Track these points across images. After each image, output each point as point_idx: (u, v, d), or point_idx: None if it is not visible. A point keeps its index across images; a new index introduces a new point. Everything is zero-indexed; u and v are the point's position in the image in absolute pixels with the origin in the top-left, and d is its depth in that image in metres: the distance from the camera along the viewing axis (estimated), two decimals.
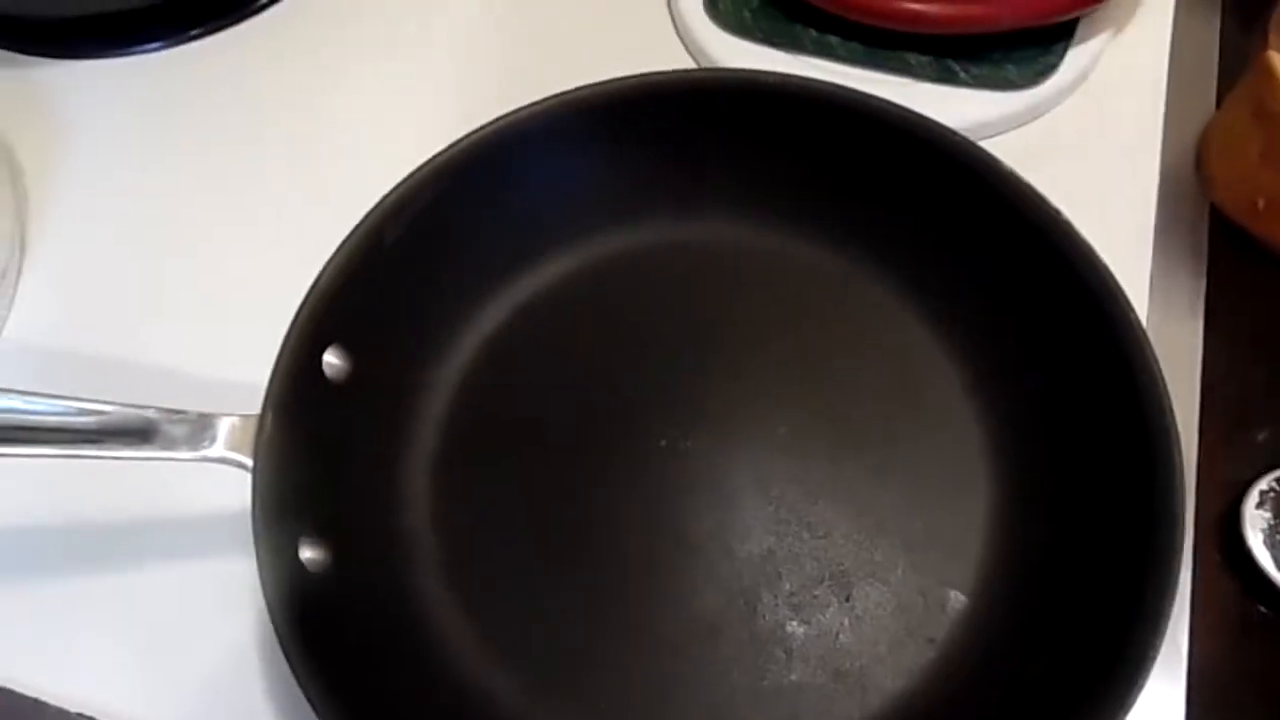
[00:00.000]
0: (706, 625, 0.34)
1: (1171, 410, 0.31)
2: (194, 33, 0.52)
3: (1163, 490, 0.30)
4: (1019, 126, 0.45)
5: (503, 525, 0.36)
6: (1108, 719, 0.28)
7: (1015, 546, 0.34)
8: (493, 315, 0.40)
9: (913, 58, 0.45)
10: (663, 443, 0.37)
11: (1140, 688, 0.28)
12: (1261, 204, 0.40)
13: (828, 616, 0.34)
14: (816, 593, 0.35)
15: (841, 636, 0.34)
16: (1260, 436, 0.37)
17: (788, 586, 0.35)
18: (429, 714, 0.33)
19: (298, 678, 0.30)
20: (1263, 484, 0.36)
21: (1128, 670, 0.29)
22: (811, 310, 0.39)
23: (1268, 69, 0.37)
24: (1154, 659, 0.28)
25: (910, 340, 0.38)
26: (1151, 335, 0.33)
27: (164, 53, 0.51)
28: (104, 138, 0.49)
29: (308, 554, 0.32)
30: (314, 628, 0.31)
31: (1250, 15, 0.41)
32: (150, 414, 0.33)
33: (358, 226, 0.36)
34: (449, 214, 0.38)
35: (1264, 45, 0.38)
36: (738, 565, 0.35)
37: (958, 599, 0.34)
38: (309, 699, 0.29)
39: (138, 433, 0.32)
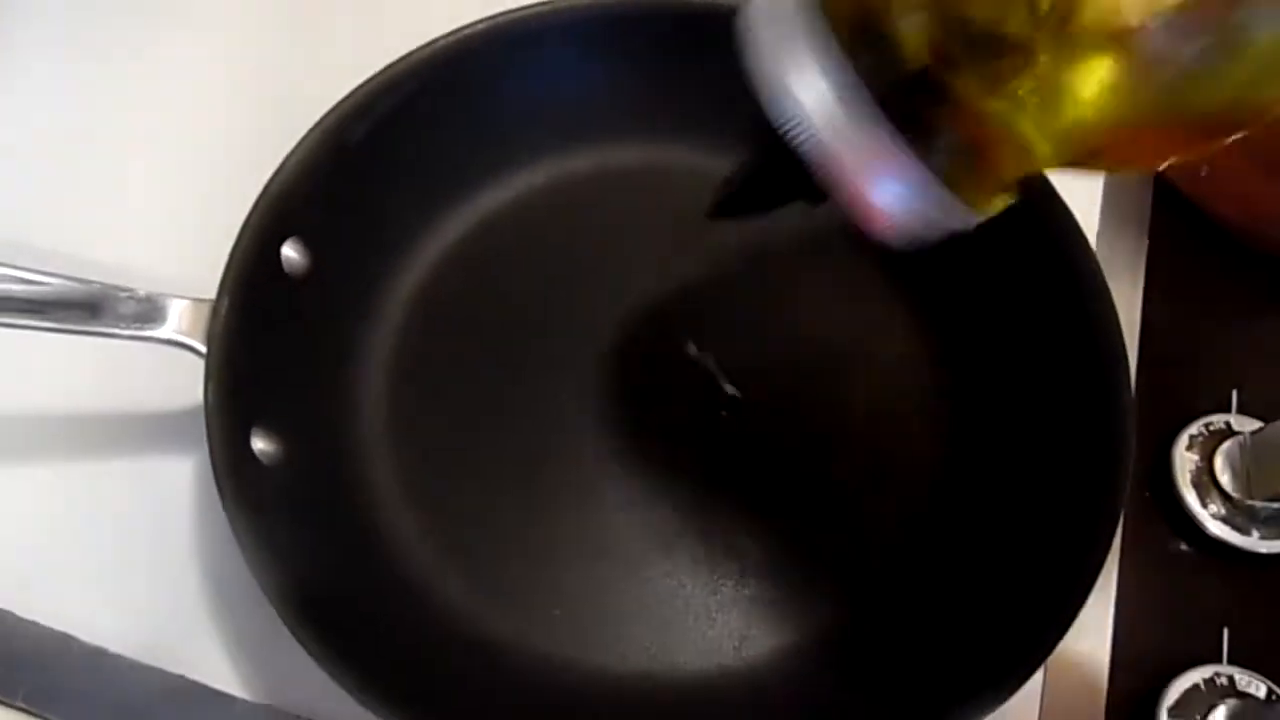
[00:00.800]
0: (662, 538, 0.35)
1: (1128, 368, 0.33)
2: None
3: (1111, 435, 0.32)
4: None
5: (461, 432, 0.36)
6: (1048, 636, 0.29)
7: (963, 477, 0.35)
8: (455, 225, 0.39)
9: None
10: (625, 358, 0.37)
11: (1079, 608, 0.30)
12: (1205, 170, 0.42)
13: (784, 533, 0.35)
14: (773, 509, 0.35)
15: (797, 553, 0.34)
16: (1192, 387, 0.39)
17: (745, 505, 0.35)
18: (379, 613, 0.32)
19: (251, 566, 0.29)
20: (1192, 429, 0.37)
21: (1070, 592, 0.30)
22: (775, 239, 0.39)
23: None
24: (1090, 588, 0.30)
25: (866, 275, 0.39)
26: None
27: None
28: (51, 6, 0.46)
29: (260, 445, 0.32)
30: (263, 517, 0.30)
31: None
32: (96, 288, 0.31)
33: (324, 118, 0.35)
34: (417, 117, 0.37)
35: None
36: (695, 490, 0.36)
37: (904, 525, 0.35)
38: (264, 589, 0.28)
39: (84, 306, 0.31)
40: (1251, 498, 0.35)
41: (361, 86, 0.35)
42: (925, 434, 0.36)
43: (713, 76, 0.38)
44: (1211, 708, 0.32)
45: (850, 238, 0.37)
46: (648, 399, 0.37)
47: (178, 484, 0.35)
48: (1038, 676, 0.33)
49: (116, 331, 0.31)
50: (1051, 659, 0.33)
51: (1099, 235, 0.42)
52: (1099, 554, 0.29)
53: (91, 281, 0.31)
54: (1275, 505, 0.35)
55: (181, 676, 0.33)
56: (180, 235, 0.39)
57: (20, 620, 0.34)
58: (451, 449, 0.36)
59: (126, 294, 0.31)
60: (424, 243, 0.39)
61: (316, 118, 0.35)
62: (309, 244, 0.35)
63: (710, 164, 0.40)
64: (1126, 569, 0.36)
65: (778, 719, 0.33)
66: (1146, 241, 0.43)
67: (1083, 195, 0.43)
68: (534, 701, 0.32)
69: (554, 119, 0.39)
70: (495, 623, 0.33)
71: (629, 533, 0.35)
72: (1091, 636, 0.34)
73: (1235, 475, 0.36)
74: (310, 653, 0.28)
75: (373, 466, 0.35)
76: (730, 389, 0.37)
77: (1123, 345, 0.32)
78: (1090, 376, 0.32)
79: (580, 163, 0.40)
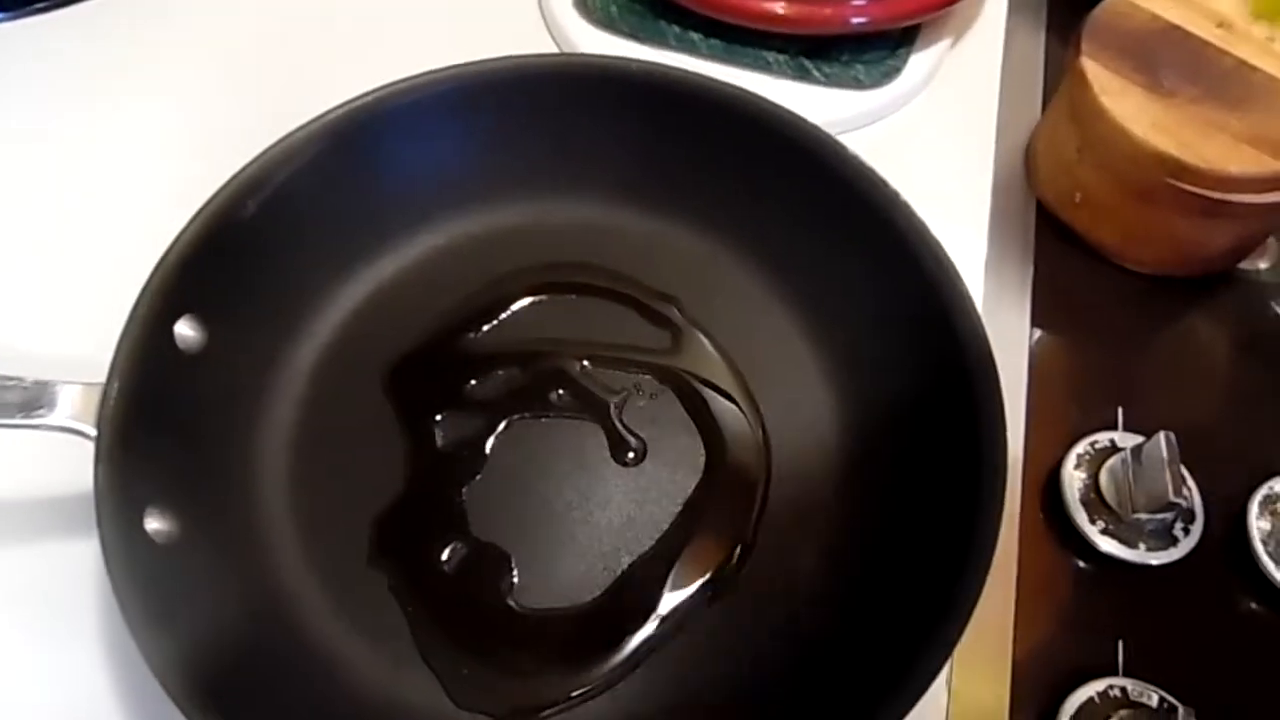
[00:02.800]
0: (569, 590, 0.35)
1: (999, 396, 0.33)
2: (40, 5, 0.50)
3: (988, 467, 0.32)
4: (866, 125, 0.48)
5: (366, 503, 0.36)
6: (923, 673, 0.30)
7: (862, 516, 0.36)
8: (354, 293, 0.40)
9: (771, 56, 0.47)
10: (525, 415, 0.38)
11: (950, 645, 0.30)
12: (1079, 197, 0.44)
13: (688, 575, 0.35)
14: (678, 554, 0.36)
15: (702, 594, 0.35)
16: (1080, 408, 0.41)
17: (644, 552, 0.36)
18: (286, 691, 0.32)
19: (145, 655, 0.28)
20: (1079, 448, 0.39)
21: (942, 640, 0.30)
22: (673, 286, 0.40)
23: (1080, 73, 0.41)
24: (967, 616, 0.30)
25: (768, 318, 0.40)
26: (985, 319, 0.35)
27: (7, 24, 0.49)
28: None
29: (154, 525, 0.32)
30: (160, 599, 0.30)
31: (1070, 31, 0.45)
32: None
33: (216, 195, 0.36)
34: (308, 189, 0.37)
35: (1077, 53, 0.42)
36: (598, 533, 0.36)
37: (807, 563, 0.36)
38: (159, 677, 0.28)
39: None
40: (1135, 511, 0.36)
41: (250, 163, 0.36)
42: (829, 473, 0.37)
43: (593, 131, 0.41)
44: (1107, 719, 0.33)
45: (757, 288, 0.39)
46: (554, 452, 0.38)
47: (80, 571, 0.35)
48: (943, 698, 0.34)
49: (4, 422, 0.31)
50: (956, 678, 0.34)
51: (987, 266, 0.44)
52: (977, 575, 0.30)
53: None
54: (1159, 518, 0.36)
55: None
56: (71, 316, 0.39)
57: None
58: (356, 521, 0.36)
59: (14, 382, 0.31)
60: (322, 312, 0.39)
61: (209, 194, 0.36)
62: (203, 320, 0.35)
63: (605, 217, 0.42)
64: (1024, 588, 0.37)
65: None
66: (1032, 270, 0.45)
67: (969, 229, 0.45)
68: None
69: (444, 183, 0.40)
70: (404, 686, 0.33)
71: (536, 586, 0.35)
72: (993, 654, 0.35)
73: (1119, 491, 0.37)
74: None
75: (275, 542, 0.35)
76: (631, 438, 0.38)
77: (998, 391, 0.33)
78: (970, 424, 0.33)
79: (478, 223, 0.41)
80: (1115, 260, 0.44)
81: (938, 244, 0.36)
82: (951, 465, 0.34)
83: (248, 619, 0.33)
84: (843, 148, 0.38)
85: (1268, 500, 0.37)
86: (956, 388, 0.34)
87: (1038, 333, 0.43)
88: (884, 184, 0.37)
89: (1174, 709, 0.32)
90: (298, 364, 0.38)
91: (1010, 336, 0.42)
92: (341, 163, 0.38)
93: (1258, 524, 0.37)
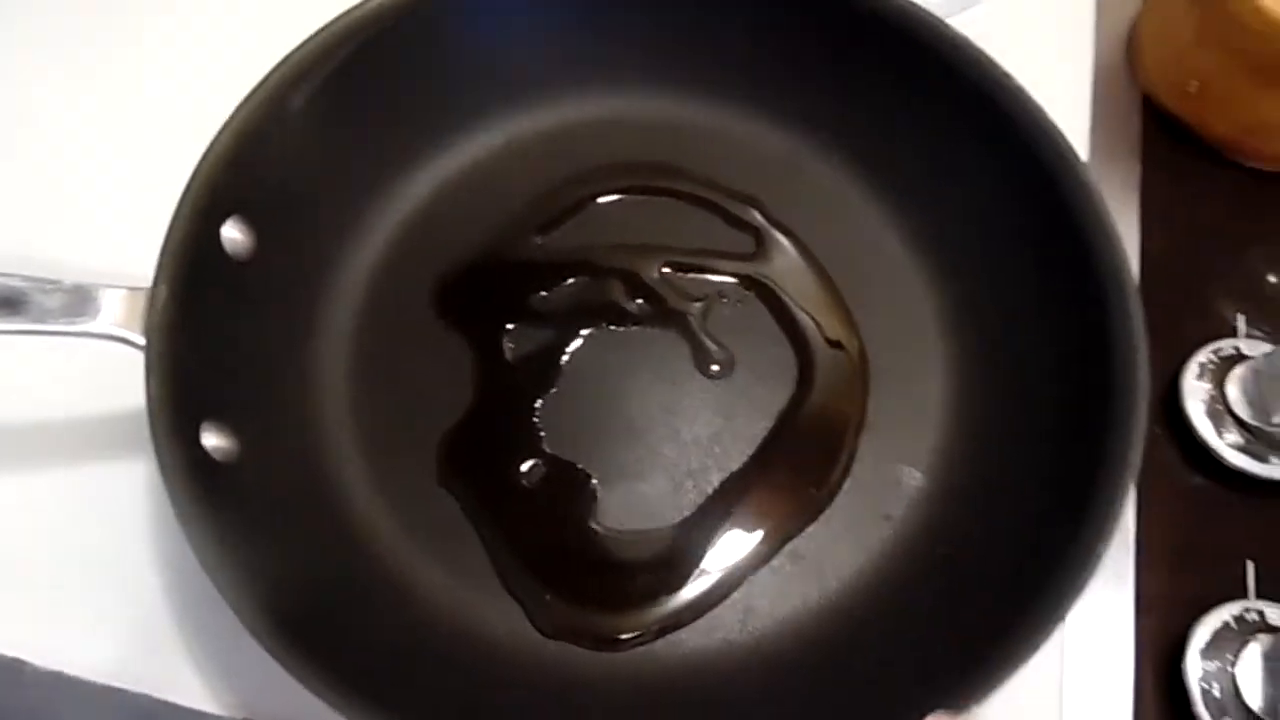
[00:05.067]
0: (655, 509, 0.32)
1: (1131, 274, 0.30)
2: None
3: (1123, 357, 0.30)
4: (952, 15, 0.44)
5: (432, 413, 0.33)
6: (1067, 589, 0.27)
7: (971, 424, 0.33)
8: (412, 194, 0.37)
9: None
10: (600, 325, 0.35)
11: (1098, 560, 0.27)
12: (1194, 87, 0.40)
13: (786, 490, 0.33)
14: (774, 466, 0.33)
15: (802, 512, 0.32)
16: (1195, 317, 0.37)
17: (737, 469, 0.33)
18: (355, 614, 0.30)
19: (209, 573, 0.26)
20: (1201, 356, 0.36)
21: (1086, 543, 0.28)
22: (755, 187, 0.37)
23: None
24: (1113, 531, 0.28)
25: (860, 218, 0.37)
26: None
27: None
28: None
29: (212, 442, 0.29)
30: (223, 522, 0.27)
31: None
32: (16, 282, 0.28)
33: (260, 85, 0.32)
34: (365, 77, 0.34)
35: None
36: (685, 449, 0.33)
37: (913, 476, 0.33)
38: (224, 596, 0.26)
39: (3, 302, 0.28)
40: (1271, 424, 0.33)
41: (297, 49, 0.33)
42: (925, 394, 0.34)
43: (665, 19, 0.37)
44: (1244, 645, 0.31)
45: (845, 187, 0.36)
46: (634, 364, 0.35)
47: (129, 489, 0.33)
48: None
49: (42, 328, 0.28)
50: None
51: (1090, 164, 0.40)
52: (1110, 517, 0.27)
53: (11, 274, 0.28)
54: None
55: (147, 696, 0.31)
56: (113, 219, 0.36)
57: None
58: (424, 439, 0.33)
59: (52, 286, 0.29)
60: (379, 214, 0.36)
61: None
62: (252, 221, 0.32)
63: (674, 111, 0.38)
64: (1144, 508, 0.34)
65: (787, 692, 0.31)
66: (1139, 167, 0.41)
67: (1069, 124, 0.41)
68: (530, 692, 0.30)
69: (509, 73, 0.37)
70: (483, 613, 0.31)
71: (620, 506, 0.33)
72: (1113, 582, 0.33)
73: (1250, 402, 0.34)
74: (285, 665, 0.25)
75: (338, 456, 0.32)
76: (715, 348, 0.35)
77: (1132, 284, 0.30)
78: (1096, 321, 0.30)
79: (543, 119, 0.38)
80: (1232, 157, 0.40)
81: (1058, 132, 0.33)
82: (1078, 383, 0.31)
83: (315, 542, 0.31)
84: (944, 25, 0.35)
85: None
86: (1084, 297, 0.31)
87: (1148, 236, 0.39)
88: (993, 64, 0.34)
89: None
90: (354, 270, 0.35)
91: None
92: (399, 47, 0.34)
93: None
